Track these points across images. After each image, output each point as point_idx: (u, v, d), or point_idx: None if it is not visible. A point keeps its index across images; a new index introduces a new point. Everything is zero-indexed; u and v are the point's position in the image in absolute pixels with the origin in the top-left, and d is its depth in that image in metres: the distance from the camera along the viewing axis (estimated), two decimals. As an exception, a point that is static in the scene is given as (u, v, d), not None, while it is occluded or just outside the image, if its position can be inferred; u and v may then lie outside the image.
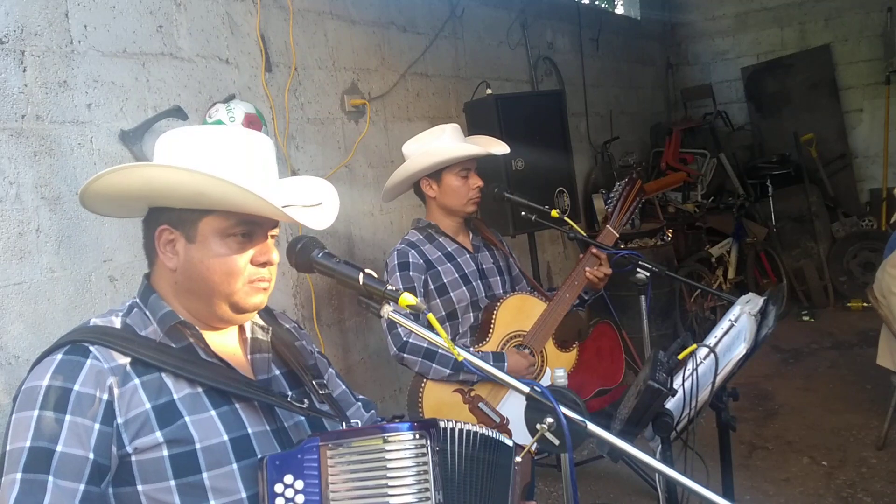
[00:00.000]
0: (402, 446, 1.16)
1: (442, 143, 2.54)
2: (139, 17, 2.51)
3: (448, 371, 2.38)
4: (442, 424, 1.23)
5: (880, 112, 6.45)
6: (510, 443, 1.32)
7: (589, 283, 2.55)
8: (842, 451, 3.60)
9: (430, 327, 1.26)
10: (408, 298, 1.19)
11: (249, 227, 1.26)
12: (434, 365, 2.38)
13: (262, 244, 1.28)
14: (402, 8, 3.85)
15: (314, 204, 1.40)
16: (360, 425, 1.51)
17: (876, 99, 6.51)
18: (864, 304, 5.53)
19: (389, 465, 1.15)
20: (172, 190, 1.21)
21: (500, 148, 2.63)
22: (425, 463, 1.16)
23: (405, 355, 2.39)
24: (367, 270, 1.23)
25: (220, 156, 1.23)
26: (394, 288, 1.21)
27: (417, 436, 1.17)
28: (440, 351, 2.34)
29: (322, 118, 3.29)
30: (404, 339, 2.40)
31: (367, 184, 3.55)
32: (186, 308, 1.30)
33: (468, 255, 2.62)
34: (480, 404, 2.42)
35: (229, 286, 1.26)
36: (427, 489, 1.15)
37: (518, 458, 1.33)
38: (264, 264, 1.29)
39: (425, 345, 2.38)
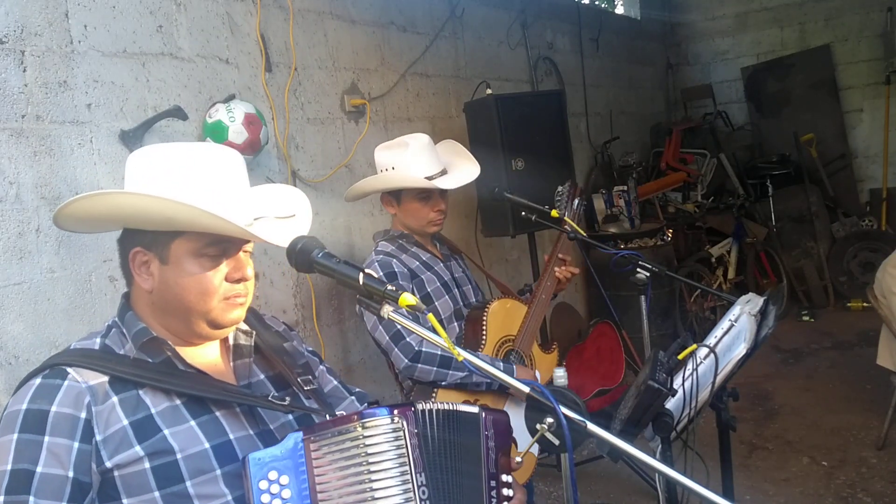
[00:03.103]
0: (379, 431, 1.18)
1: (404, 159, 2.46)
2: (139, 17, 2.51)
3: (463, 373, 2.31)
4: (420, 406, 1.24)
5: (880, 112, 6.45)
6: (475, 409, 1.32)
7: (558, 282, 2.58)
8: (842, 451, 3.60)
9: (431, 328, 1.26)
10: (408, 298, 1.19)
11: (221, 245, 1.28)
12: (451, 371, 2.29)
13: (235, 260, 1.30)
14: (402, 8, 3.85)
15: (287, 216, 1.41)
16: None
17: (876, 99, 6.51)
18: (864, 304, 5.53)
19: (369, 450, 1.17)
20: (142, 215, 1.23)
21: (460, 177, 2.52)
22: (402, 446, 1.18)
23: (420, 365, 2.28)
24: (367, 270, 1.23)
25: (189, 177, 1.24)
26: (394, 288, 1.21)
27: (395, 419, 1.19)
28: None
29: (322, 118, 3.29)
30: (416, 348, 2.29)
31: (367, 184, 3.55)
32: (165, 326, 1.31)
33: (442, 264, 2.58)
34: None
35: (205, 304, 1.27)
36: (406, 472, 1.17)
37: (518, 459, 1.33)
38: (239, 280, 1.30)
39: (439, 352, 2.27)
